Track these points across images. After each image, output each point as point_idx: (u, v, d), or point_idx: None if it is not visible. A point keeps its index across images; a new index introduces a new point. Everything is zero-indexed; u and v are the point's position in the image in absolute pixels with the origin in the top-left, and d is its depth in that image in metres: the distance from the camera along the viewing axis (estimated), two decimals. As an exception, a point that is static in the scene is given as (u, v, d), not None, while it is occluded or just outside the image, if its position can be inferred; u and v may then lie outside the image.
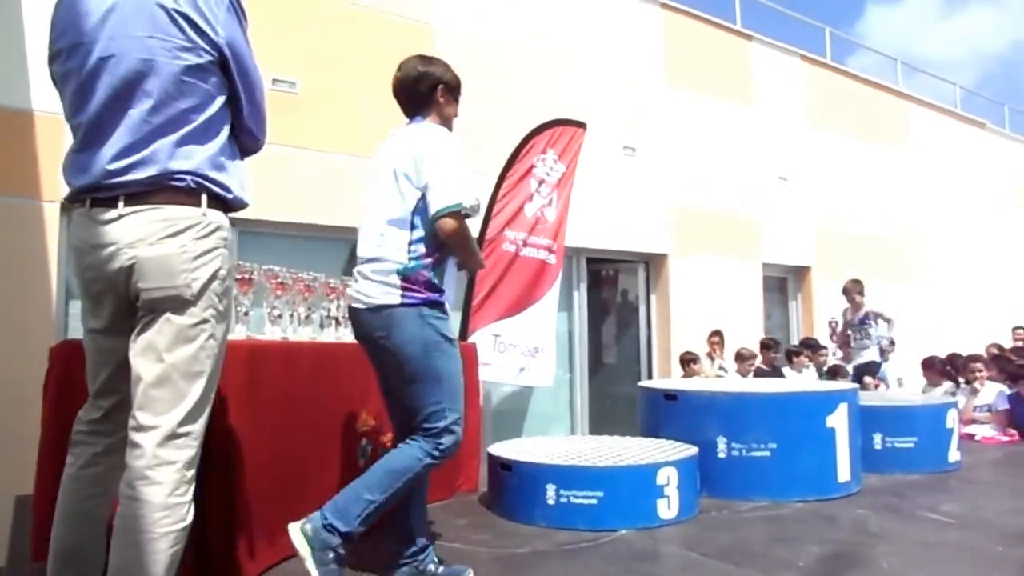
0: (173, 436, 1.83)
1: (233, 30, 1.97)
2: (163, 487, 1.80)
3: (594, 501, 3.48)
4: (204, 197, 1.92)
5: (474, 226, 2.68)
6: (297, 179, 6.05)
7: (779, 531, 3.45)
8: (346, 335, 3.62)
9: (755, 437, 4.08)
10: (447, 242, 2.58)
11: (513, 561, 3.04)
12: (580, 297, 8.10)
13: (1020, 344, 9.43)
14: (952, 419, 5.09)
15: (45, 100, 4.93)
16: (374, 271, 2.60)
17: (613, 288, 9.18)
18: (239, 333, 3.02)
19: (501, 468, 3.79)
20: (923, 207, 12.02)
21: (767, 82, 10.07)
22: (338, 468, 3.20)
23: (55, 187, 4.88)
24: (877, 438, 4.86)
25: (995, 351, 8.31)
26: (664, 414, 4.42)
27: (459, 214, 2.54)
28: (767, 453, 4.07)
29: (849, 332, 8.00)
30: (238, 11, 2.00)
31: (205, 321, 1.91)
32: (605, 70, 8.23)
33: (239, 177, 2.06)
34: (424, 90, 2.80)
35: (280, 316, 3.27)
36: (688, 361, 7.86)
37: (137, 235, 1.85)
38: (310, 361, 3.11)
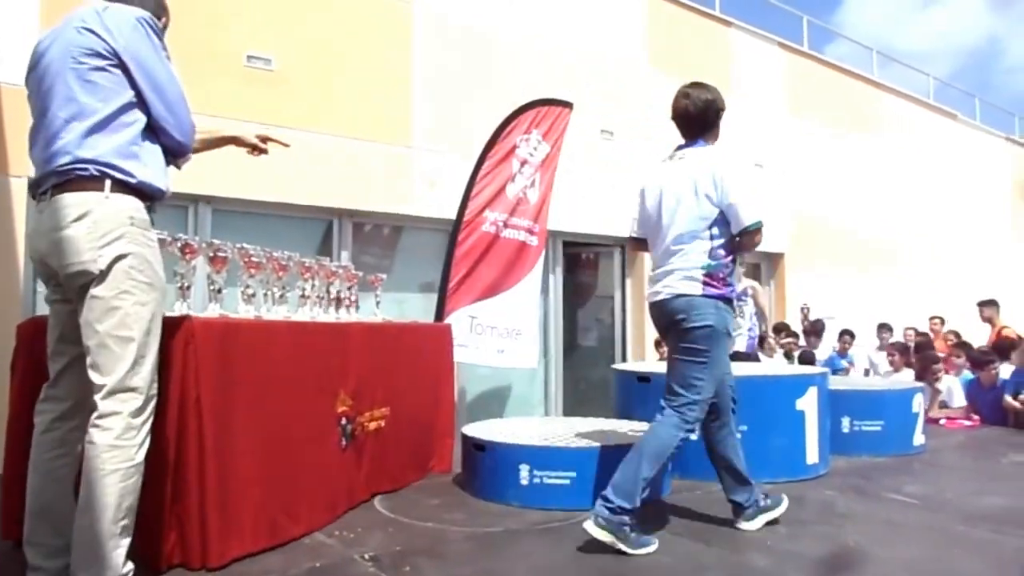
0: (117, 391, 2.18)
1: (136, 42, 2.27)
2: (111, 432, 2.16)
3: (567, 482, 3.51)
4: (108, 183, 2.22)
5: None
6: (273, 157, 5.95)
7: (748, 511, 3.50)
8: (320, 315, 3.60)
9: (726, 419, 4.13)
10: (749, 250, 3.15)
11: (486, 540, 3.06)
12: (556, 280, 8.12)
13: (936, 330, 9.46)
14: (918, 403, 5.20)
15: (9, 72, 4.81)
16: (678, 268, 3.06)
17: (589, 272, 9.21)
18: (212, 311, 2.99)
19: (475, 449, 3.80)
20: (896, 196, 12.18)
21: (745, 68, 10.10)
22: (317, 448, 3.18)
23: (22, 162, 4.77)
24: (845, 421, 4.96)
25: (953, 338, 8.45)
26: (638, 396, 4.46)
27: (760, 229, 3.05)
28: (738, 435, 4.12)
29: None
30: (147, 30, 2.30)
31: (126, 292, 2.21)
32: (586, 54, 8.21)
33: (154, 167, 2.34)
34: (711, 117, 3.29)
35: (254, 295, 3.24)
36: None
37: (54, 221, 2.20)
38: (285, 340, 3.08)
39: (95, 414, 2.18)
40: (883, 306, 10.51)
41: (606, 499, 2.90)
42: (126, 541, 2.18)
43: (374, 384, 3.61)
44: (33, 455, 2.33)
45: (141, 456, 2.21)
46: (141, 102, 2.29)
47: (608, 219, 8.36)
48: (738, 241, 3.09)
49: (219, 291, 3.07)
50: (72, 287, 2.23)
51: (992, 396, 6.54)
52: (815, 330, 8.99)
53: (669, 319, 3.09)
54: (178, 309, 2.87)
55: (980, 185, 14.34)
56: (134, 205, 2.27)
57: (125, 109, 2.27)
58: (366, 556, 2.78)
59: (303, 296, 3.56)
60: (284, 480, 2.96)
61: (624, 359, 8.57)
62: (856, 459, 4.75)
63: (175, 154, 2.45)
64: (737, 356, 6.65)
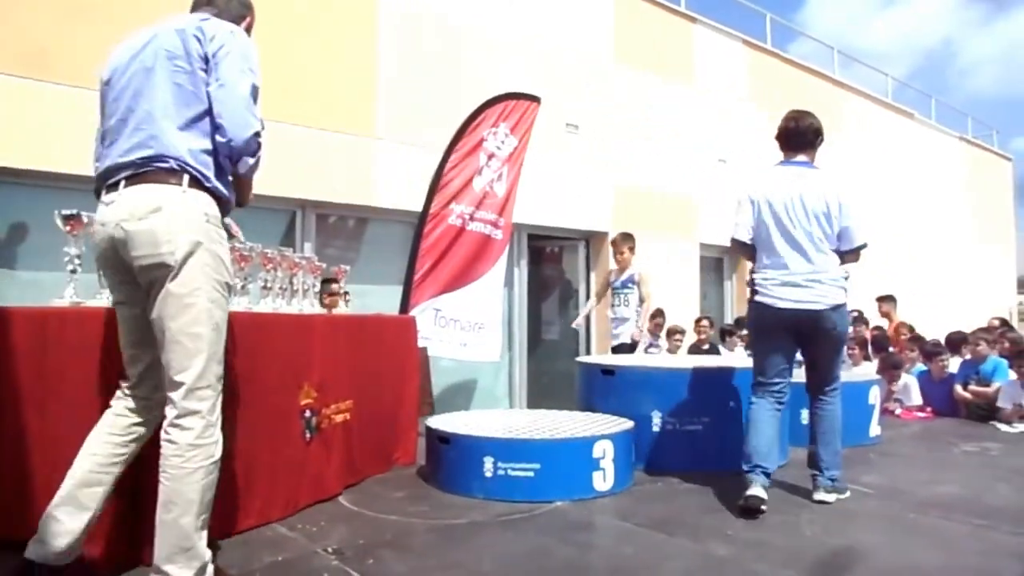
0: (195, 389, 2.20)
1: (225, 45, 2.31)
2: (192, 432, 2.18)
3: (531, 473, 3.52)
4: (186, 177, 2.23)
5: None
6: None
7: (709, 502, 3.56)
8: (282, 306, 3.55)
9: (688, 411, 4.20)
10: (851, 263, 3.63)
11: (450, 532, 3.06)
12: (521, 274, 8.13)
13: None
14: (874, 396, 5.32)
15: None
16: (827, 279, 3.50)
17: (553, 265, 9.25)
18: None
19: (439, 441, 3.79)
20: (856, 193, 12.42)
21: (709, 65, 10.21)
22: (279, 440, 3.15)
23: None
24: (804, 413, 5.02)
25: (907, 332, 8.65)
26: (601, 389, 4.49)
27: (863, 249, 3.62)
28: (699, 427, 4.19)
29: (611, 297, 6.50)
30: (239, 39, 2.38)
31: (199, 289, 2.21)
32: (552, 47, 8.21)
33: (223, 177, 2.36)
34: (812, 138, 3.74)
35: (215, 286, 3.18)
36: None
37: (128, 211, 2.20)
38: (247, 333, 3.04)
39: (174, 413, 2.19)
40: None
41: (825, 473, 3.59)
42: (205, 532, 2.25)
43: (339, 376, 3.59)
44: (95, 431, 2.32)
45: (219, 452, 2.26)
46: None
47: (573, 213, 8.40)
48: (844, 256, 3.60)
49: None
50: (146, 279, 2.22)
51: (943, 389, 6.74)
52: None
53: (822, 326, 3.51)
54: (136, 300, 2.81)
55: (936, 183, 14.70)
56: (208, 202, 2.28)
57: (206, 115, 2.29)
58: (329, 549, 2.76)
59: (265, 287, 3.51)
60: (243, 472, 2.93)
61: (588, 352, 8.63)
62: (814, 450, 4.84)
63: (229, 156, 2.35)
64: (622, 348, 6.25)
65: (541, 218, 8.01)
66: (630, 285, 6.30)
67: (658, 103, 9.27)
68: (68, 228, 2.75)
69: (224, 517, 2.86)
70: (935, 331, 8.81)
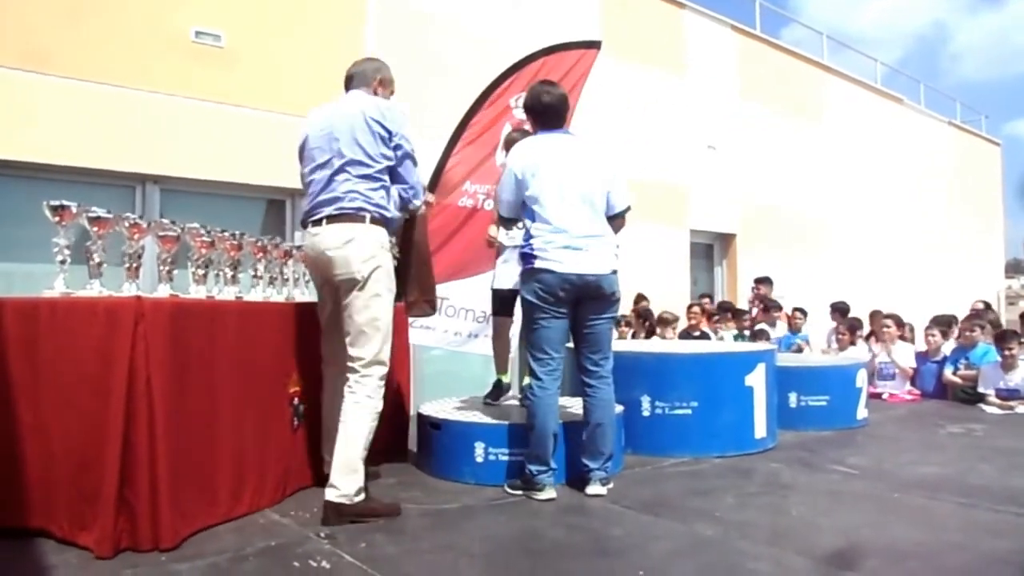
0: (372, 363, 3.04)
1: (406, 136, 3.17)
2: (366, 389, 3.02)
3: (521, 458, 3.55)
4: (367, 216, 3.04)
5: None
6: (220, 136, 5.86)
7: (698, 484, 3.61)
8: (273, 295, 3.57)
9: (678, 396, 4.24)
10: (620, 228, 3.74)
11: (442, 516, 3.10)
12: (513, 261, 8.12)
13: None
14: (861, 379, 5.38)
15: None
16: (606, 242, 3.50)
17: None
18: (162, 292, 2.94)
19: (431, 427, 3.83)
20: (842, 179, 12.46)
21: (698, 51, 10.20)
22: (269, 428, 3.18)
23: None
24: (792, 397, 5.11)
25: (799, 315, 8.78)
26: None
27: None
28: (689, 411, 4.23)
29: None
30: (407, 126, 3.19)
31: (377, 295, 3.04)
32: (540, 34, 8.19)
33: (392, 208, 3.19)
34: (567, 108, 3.68)
35: (205, 275, 3.20)
36: (618, 323, 8.03)
37: (330, 242, 3.03)
38: (236, 321, 3.06)
39: (356, 376, 3.02)
40: (832, 287, 10.78)
41: (602, 464, 3.42)
42: (362, 464, 3.00)
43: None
44: (328, 398, 3.31)
45: (380, 406, 3.07)
46: (394, 171, 3.18)
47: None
48: (613, 222, 3.66)
49: (169, 272, 3.03)
50: (342, 289, 3.05)
51: (931, 366, 6.84)
52: (768, 308, 9.12)
53: (606, 290, 3.51)
54: (127, 290, 2.83)
55: (925, 168, 14.74)
56: (383, 233, 3.11)
57: (384, 174, 3.13)
58: (322, 534, 2.79)
59: (255, 276, 3.53)
60: (235, 459, 2.97)
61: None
62: (803, 433, 4.91)
63: (403, 199, 3.27)
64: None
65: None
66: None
67: (647, 89, 9.26)
68: (57, 219, 2.76)
69: (226, 505, 2.91)
70: (924, 315, 8.88)
